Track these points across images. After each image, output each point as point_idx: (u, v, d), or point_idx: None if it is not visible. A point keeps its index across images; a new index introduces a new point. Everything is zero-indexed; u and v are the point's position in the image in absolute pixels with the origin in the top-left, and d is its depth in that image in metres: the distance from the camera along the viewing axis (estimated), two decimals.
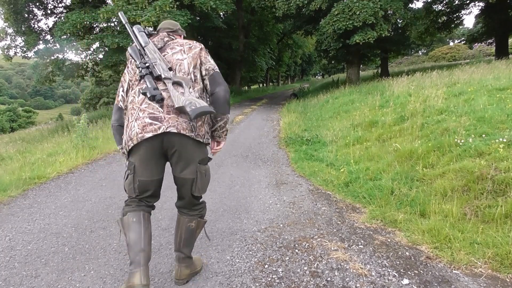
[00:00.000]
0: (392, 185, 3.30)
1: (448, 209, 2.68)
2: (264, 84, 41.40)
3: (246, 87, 32.83)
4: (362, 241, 2.50)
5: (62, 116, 44.45)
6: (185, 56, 1.86)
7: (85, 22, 12.56)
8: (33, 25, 15.16)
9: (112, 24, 13.69)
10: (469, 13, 21.54)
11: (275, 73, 42.05)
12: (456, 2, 16.63)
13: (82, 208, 3.31)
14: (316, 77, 55.97)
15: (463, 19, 36.67)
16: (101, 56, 14.22)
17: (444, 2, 16.69)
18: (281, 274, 2.09)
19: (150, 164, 1.77)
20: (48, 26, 16.07)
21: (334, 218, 2.95)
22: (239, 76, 22.34)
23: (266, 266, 2.19)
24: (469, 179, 2.92)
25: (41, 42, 15.22)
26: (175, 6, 12.07)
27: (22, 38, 14.78)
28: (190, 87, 1.76)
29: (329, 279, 2.03)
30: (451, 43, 43.75)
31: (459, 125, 3.99)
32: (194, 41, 1.98)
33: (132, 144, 1.72)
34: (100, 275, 2.12)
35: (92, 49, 13.45)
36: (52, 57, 14.78)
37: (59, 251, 2.45)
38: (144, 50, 1.85)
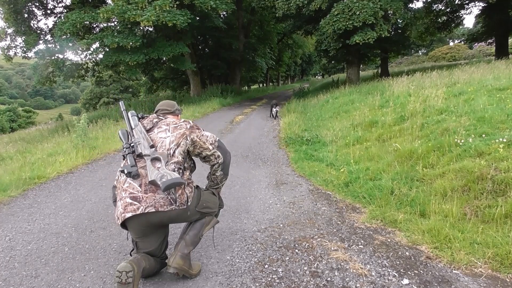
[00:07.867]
0: (392, 185, 3.30)
1: (448, 209, 2.68)
2: (264, 84, 41.35)
3: (246, 87, 32.77)
4: (362, 241, 2.50)
5: (62, 116, 44.44)
6: (169, 134, 2.00)
7: (85, 22, 12.56)
8: (33, 25, 15.15)
9: (112, 24, 13.68)
10: (469, 13, 21.54)
11: (275, 73, 41.97)
12: (456, 1, 16.62)
13: (82, 208, 3.31)
14: (316, 77, 55.82)
15: (463, 19, 36.63)
16: (101, 56, 14.20)
17: (444, 1, 16.68)
18: (281, 274, 2.09)
19: (149, 238, 1.96)
20: (48, 26, 16.08)
21: (334, 218, 2.95)
22: (239, 76, 22.31)
23: (266, 266, 2.19)
24: (469, 179, 2.92)
25: (41, 42, 15.21)
26: (175, 5, 12.05)
27: (22, 38, 14.76)
28: (167, 161, 1.89)
29: (329, 279, 2.03)
30: (451, 43, 43.73)
31: (459, 125, 3.99)
32: (183, 121, 2.09)
33: (119, 222, 1.88)
34: (100, 275, 2.12)
35: (92, 49, 13.42)
36: (52, 57, 14.76)
37: (59, 251, 2.45)
38: (132, 131, 2.02)
